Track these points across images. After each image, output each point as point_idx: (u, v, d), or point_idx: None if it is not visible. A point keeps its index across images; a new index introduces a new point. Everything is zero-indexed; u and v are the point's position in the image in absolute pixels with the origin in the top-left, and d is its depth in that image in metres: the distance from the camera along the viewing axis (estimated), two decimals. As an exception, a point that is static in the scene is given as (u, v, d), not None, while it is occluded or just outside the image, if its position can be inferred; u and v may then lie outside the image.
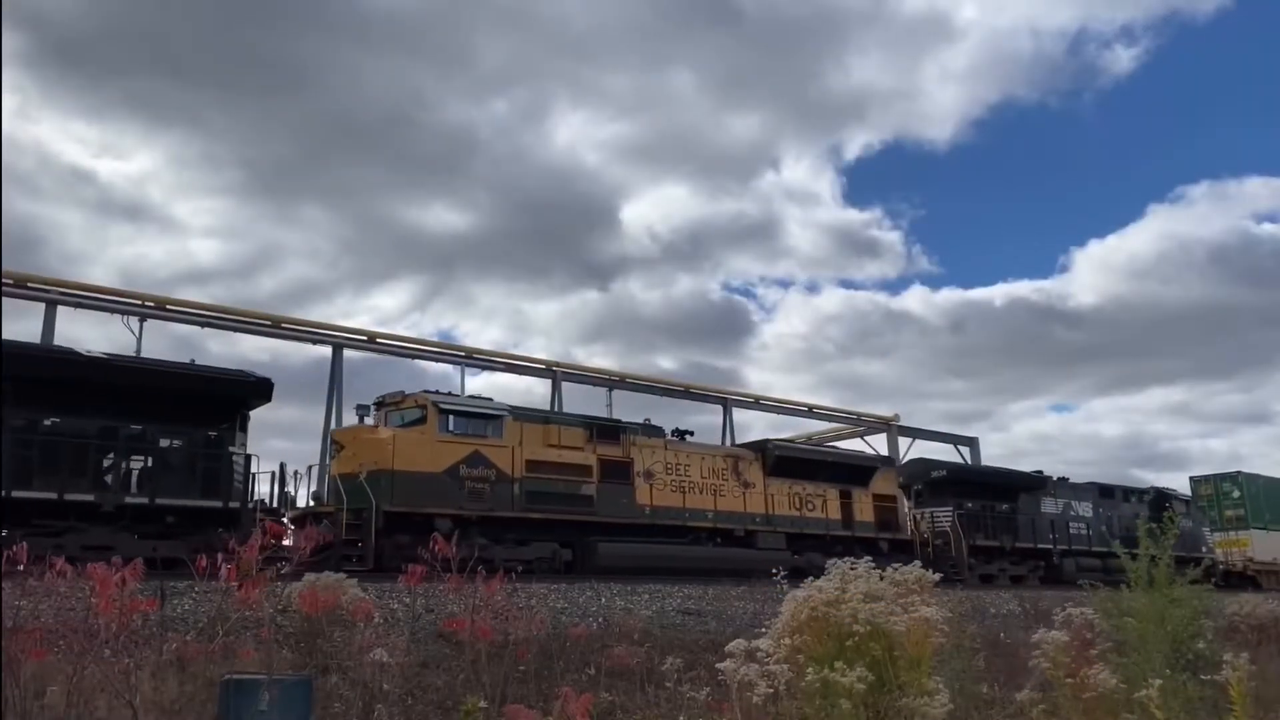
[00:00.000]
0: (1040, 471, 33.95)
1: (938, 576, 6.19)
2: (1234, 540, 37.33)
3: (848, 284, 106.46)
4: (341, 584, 11.51)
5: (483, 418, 20.37)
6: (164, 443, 16.47)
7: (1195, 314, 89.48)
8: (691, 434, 25.26)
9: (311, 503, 19.22)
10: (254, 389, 17.82)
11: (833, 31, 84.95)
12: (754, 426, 52.39)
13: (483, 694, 7.92)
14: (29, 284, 25.76)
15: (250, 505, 16.68)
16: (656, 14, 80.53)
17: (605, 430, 22.57)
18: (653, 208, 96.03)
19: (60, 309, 25.72)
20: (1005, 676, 8.69)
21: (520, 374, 35.59)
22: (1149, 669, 6.49)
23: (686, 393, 38.94)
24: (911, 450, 41.71)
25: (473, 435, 19.92)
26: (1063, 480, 34.95)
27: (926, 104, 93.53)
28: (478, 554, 17.45)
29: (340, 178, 77.57)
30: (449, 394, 21.20)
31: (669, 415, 39.94)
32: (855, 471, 27.35)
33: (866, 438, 43.75)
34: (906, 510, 28.74)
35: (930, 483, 30.63)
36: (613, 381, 36.18)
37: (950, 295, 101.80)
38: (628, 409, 33.27)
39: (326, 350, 30.46)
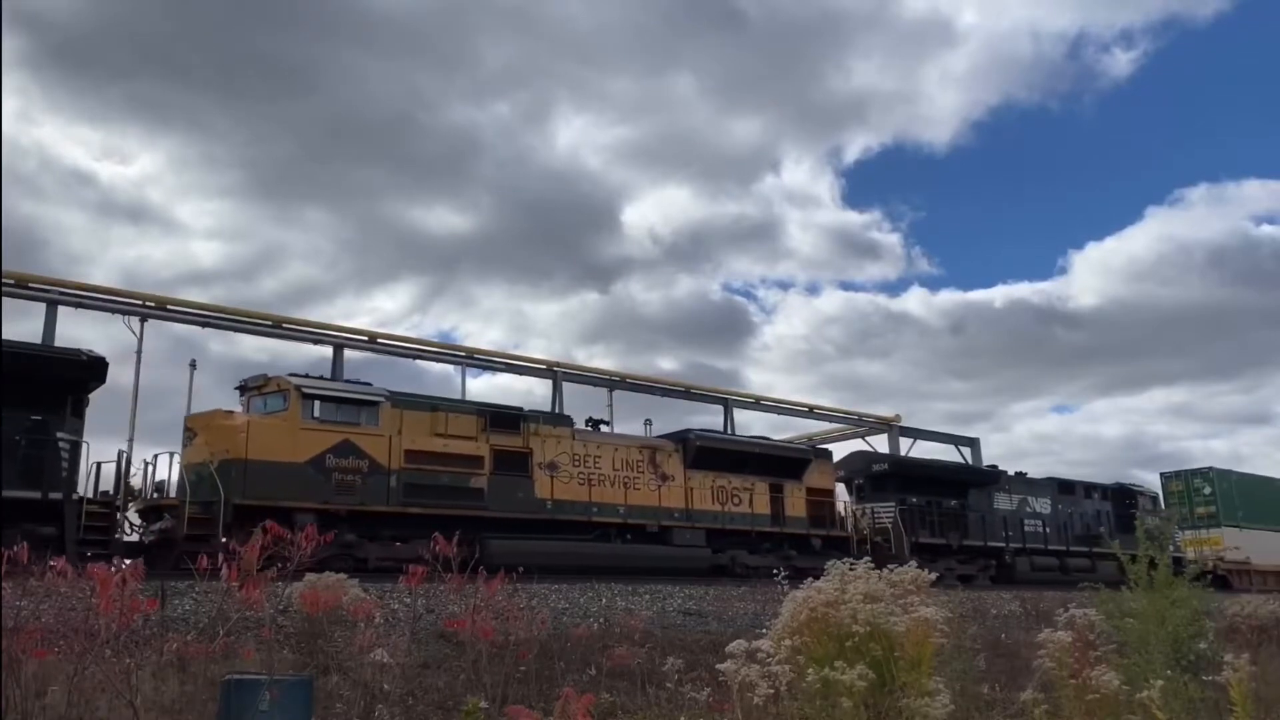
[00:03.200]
0: (994, 466, 33.02)
1: (934, 576, 6.14)
2: (1205, 538, 36.64)
3: (848, 285, 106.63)
4: (343, 584, 11.52)
5: (354, 404, 18.77)
6: None
7: (1195, 315, 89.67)
8: (607, 423, 23.84)
9: (155, 495, 17.33)
10: (86, 369, 16.06)
11: (834, 35, 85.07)
12: (755, 427, 52.32)
13: (484, 694, 7.92)
14: (30, 284, 25.70)
15: (76, 497, 15.15)
16: (659, 17, 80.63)
17: (501, 418, 20.92)
18: (654, 210, 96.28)
19: (61, 309, 25.64)
20: (1007, 677, 8.69)
21: (521, 374, 35.55)
22: (1150, 670, 6.49)
23: (687, 393, 38.86)
24: (914, 452, 41.65)
25: (342, 423, 18.35)
26: (1019, 475, 33.49)
27: (927, 106, 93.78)
28: (347, 552, 16.49)
29: (342, 179, 77.70)
30: (319, 378, 19.51)
31: (670, 416, 40.05)
32: (787, 464, 25.88)
33: (868, 438, 43.72)
34: (846, 505, 27.51)
35: (871, 476, 29.23)
36: (613, 382, 36.11)
37: (950, 297, 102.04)
38: (629, 409, 33.32)
39: (327, 350, 30.35)
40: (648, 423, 26.19)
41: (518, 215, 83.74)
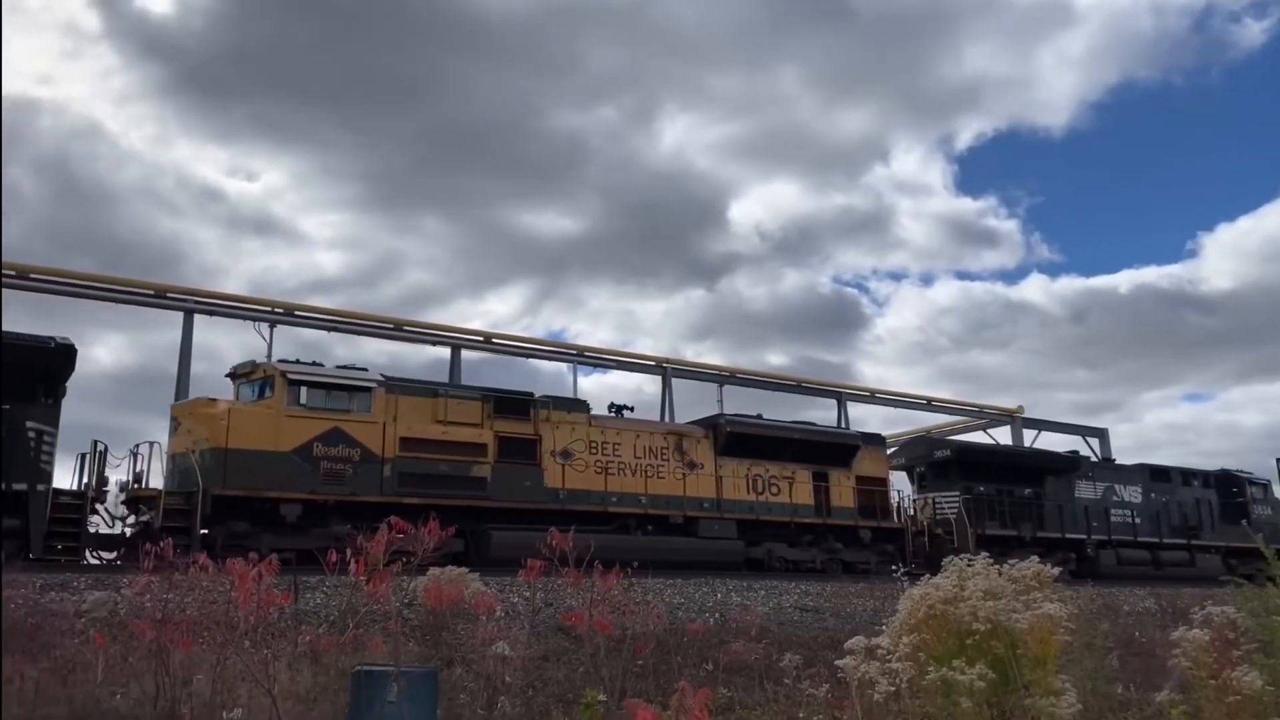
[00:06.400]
0: (1075, 452, 30.96)
1: (1056, 571, 5.89)
2: None
3: (963, 275, 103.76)
4: (464, 578, 11.80)
5: (344, 390, 17.91)
6: None
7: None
8: (631, 409, 22.37)
9: (135, 485, 16.60)
10: (54, 357, 15.51)
11: (945, 21, 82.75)
12: (869, 421, 51.51)
13: (602, 687, 8.01)
14: (168, 294, 27.23)
15: (40, 489, 14.52)
16: (763, 13, 79.94)
17: (508, 404, 19.79)
18: (760, 205, 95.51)
19: (197, 317, 27.10)
20: (1141, 677, 8.34)
21: (630, 371, 35.84)
22: (1298, 671, 6.13)
23: (799, 387, 38.51)
24: (1038, 443, 40.27)
25: (331, 410, 17.54)
26: (1106, 461, 31.62)
27: (1042, 90, 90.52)
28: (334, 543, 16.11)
29: (455, 187, 79.67)
30: (312, 363, 18.47)
31: (781, 411, 39.60)
32: (833, 450, 24.00)
33: (990, 430, 42.53)
34: (906, 495, 25.83)
35: (934, 464, 27.08)
36: (722, 377, 36.05)
37: (1071, 283, 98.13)
38: (739, 405, 33.13)
39: (445, 351, 31.27)
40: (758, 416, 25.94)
41: (624, 216, 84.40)
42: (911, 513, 25.38)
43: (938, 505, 25.84)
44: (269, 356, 22.42)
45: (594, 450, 20.41)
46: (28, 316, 35.21)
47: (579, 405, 21.31)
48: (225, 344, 41.75)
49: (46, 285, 25.49)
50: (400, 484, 17.77)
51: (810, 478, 23.19)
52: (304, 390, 17.49)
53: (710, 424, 23.10)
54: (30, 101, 72.67)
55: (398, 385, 18.88)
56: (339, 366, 19.01)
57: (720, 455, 22.09)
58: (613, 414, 21.89)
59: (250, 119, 73.13)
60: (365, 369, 19.16)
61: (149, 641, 6.94)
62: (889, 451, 27.62)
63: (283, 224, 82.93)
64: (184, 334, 26.72)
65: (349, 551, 7.12)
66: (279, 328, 27.95)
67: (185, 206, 76.57)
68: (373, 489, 17.47)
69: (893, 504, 24.80)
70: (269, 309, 28.24)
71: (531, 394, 20.60)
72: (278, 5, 70.95)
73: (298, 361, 18.33)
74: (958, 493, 25.56)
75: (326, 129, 75.51)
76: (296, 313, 29.07)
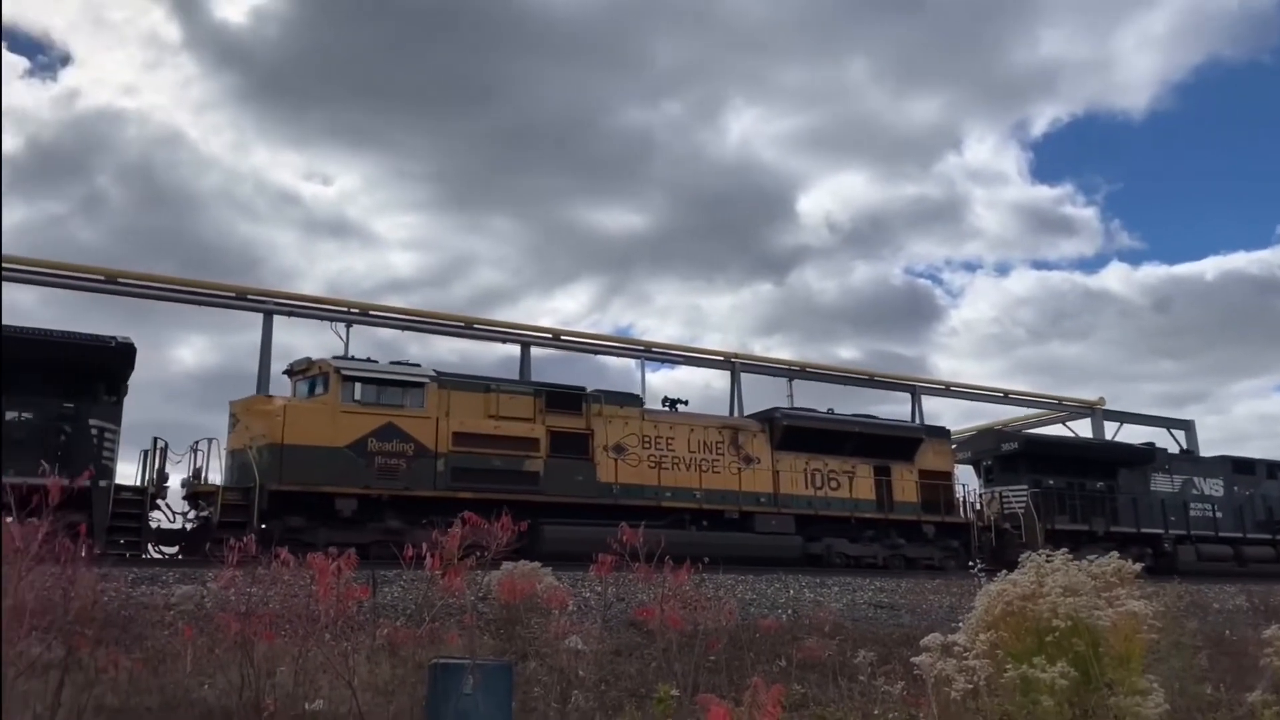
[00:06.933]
0: (1151, 444, 29.66)
1: (1139, 567, 5.72)
2: None
3: (1040, 264, 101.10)
4: (536, 572, 11.93)
5: (398, 385, 18.04)
6: (10, 415, 14.74)
7: None
8: (685, 403, 22.10)
9: (194, 481, 16.93)
10: (115, 355, 15.87)
11: (1020, 5, 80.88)
12: (944, 415, 50.64)
13: (675, 682, 8.02)
14: (249, 296, 27.99)
15: (103, 484, 14.76)
16: (830, 4, 79.10)
17: (560, 398, 19.77)
18: (829, 197, 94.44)
19: (276, 318, 27.80)
20: (1233, 677, 8.07)
21: (698, 367, 35.79)
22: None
23: (871, 381, 38.04)
24: (1120, 436, 39.18)
25: (385, 405, 17.73)
26: (1185, 454, 30.12)
27: (1121, 72, 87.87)
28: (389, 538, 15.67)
29: (524, 186, 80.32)
30: (366, 360, 18.65)
31: (852, 405, 39.23)
32: (895, 444, 23.53)
33: (1069, 423, 41.51)
34: (972, 490, 25.14)
35: (1001, 457, 26.19)
36: (792, 371, 35.77)
37: (1153, 271, 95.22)
38: (810, 399, 32.83)
39: (514, 349, 31.61)
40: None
41: (691, 211, 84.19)
42: (978, 507, 24.85)
43: (1005, 500, 25.25)
44: (346, 355, 22.83)
45: (647, 444, 20.28)
46: (115, 319, 36.52)
47: (631, 399, 21.19)
48: (304, 344, 42.78)
49: (133, 289, 26.40)
50: (453, 479, 17.86)
51: (871, 472, 22.87)
52: (358, 386, 17.68)
53: (766, 418, 22.84)
54: (116, 112, 75.37)
55: (450, 380, 18.97)
56: (393, 362, 19.09)
57: (777, 449, 21.85)
58: (666, 408, 21.77)
59: (324, 124, 74.82)
60: (419, 364, 19.28)
61: (234, 634, 7.14)
62: (955, 445, 27.10)
63: (357, 226, 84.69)
64: (264, 334, 27.42)
65: (424, 546, 7.24)
66: (355, 327, 28.54)
67: (264, 211, 78.77)
68: (426, 484, 17.61)
69: (958, 498, 24.34)
70: (345, 309, 28.86)
71: (583, 388, 20.58)
72: (349, 12, 72.39)
73: (352, 358, 18.54)
74: (1026, 486, 24.95)
75: (398, 132, 76.90)
76: (371, 313, 29.64)
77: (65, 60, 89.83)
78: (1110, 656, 5.08)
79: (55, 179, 69.29)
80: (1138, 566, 5.82)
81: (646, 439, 20.31)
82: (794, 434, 22.12)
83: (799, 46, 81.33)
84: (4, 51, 76.49)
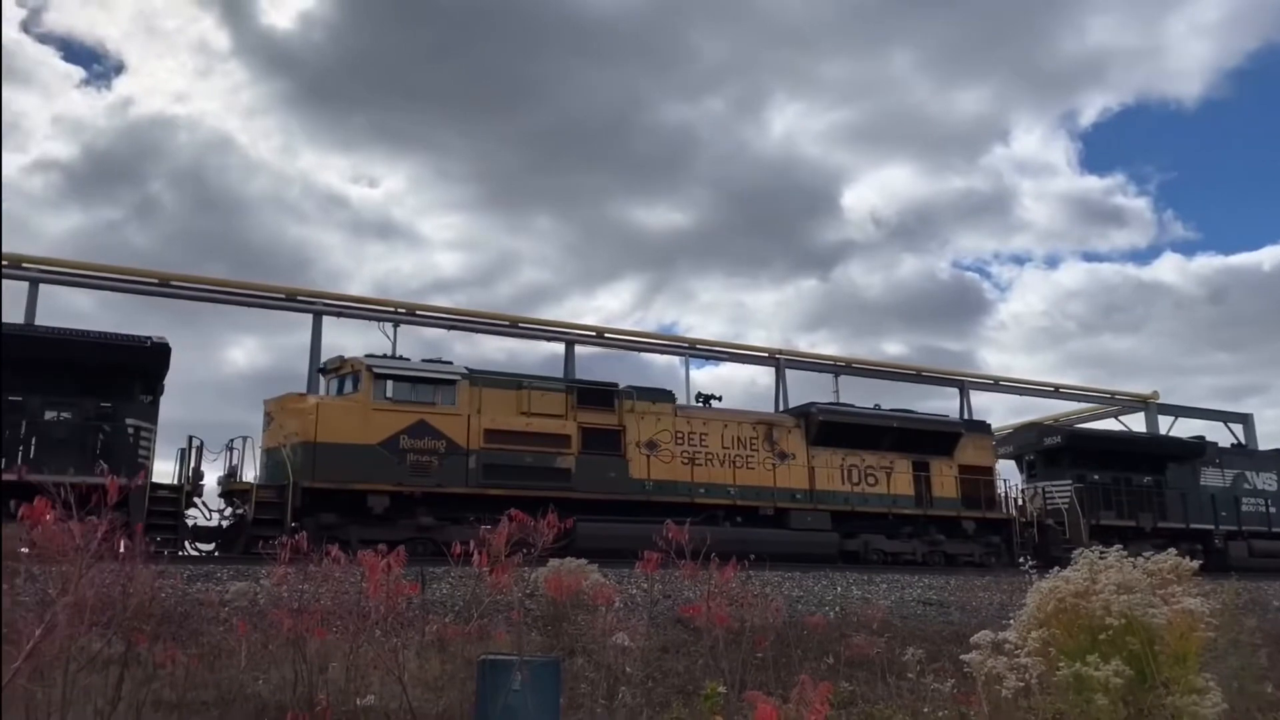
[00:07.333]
0: (1201, 438, 28.80)
1: (1196, 565, 5.60)
2: None
3: (1091, 256, 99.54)
4: (583, 569, 11.96)
5: (429, 383, 18.12)
6: (49, 415, 14.97)
7: None
8: (719, 398, 21.90)
9: (229, 479, 17.16)
10: (149, 355, 16.07)
11: (1066, -9, 79.49)
12: (994, 410, 49.97)
13: (722, 679, 8.02)
14: (298, 297, 28.41)
15: (139, 483, 14.63)
16: (873, -7, 78.27)
17: (591, 395, 19.78)
18: (874, 191, 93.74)
19: (325, 318, 28.18)
20: (1294, 676, 7.88)
21: (744, 363, 35.66)
22: None
23: (918, 376, 37.63)
24: (1174, 430, 38.37)
25: (417, 402, 17.85)
26: (1236, 447, 29.31)
27: (1173, 60, 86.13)
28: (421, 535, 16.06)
29: (566, 185, 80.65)
30: (398, 358, 18.81)
31: (900, 401, 38.77)
32: (934, 439, 23.21)
33: (1122, 418, 40.74)
34: (1015, 485, 24.71)
35: (1044, 451, 25.78)
36: (838, 367, 35.51)
37: (1208, 262, 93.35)
38: (856, 395, 32.55)
39: (559, 347, 31.74)
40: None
41: (734, 207, 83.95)
42: (1020, 503, 24.44)
43: (1048, 495, 24.80)
44: (393, 354, 23.06)
45: (680, 440, 20.25)
46: (169, 321, 37.28)
47: (664, 395, 21.01)
48: (353, 344, 43.28)
49: (186, 291, 26.90)
50: (485, 475, 17.92)
51: (910, 467, 22.63)
52: (390, 384, 17.81)
53: (802, 413, 22.67)
54: (168, 119, 76.83)
55: (481, 378, 19.04)
56: (425, 360, 19.15)
57: (813, 445, 21.72)
58: (700, 404, 21.63)
59: (369, 127, 75.70)
60: (450, 362, 19.41)
61: (287, 630, 7.26)
62: (996, 440, 26.64)
63: (403, 227, 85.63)
64: (313, 334, 27.80)
65: (471, 543, 7.30)
66: (402, 327, 28.83)
67: (312, 213, 79.92)
68: (458, 480, 17.70)
69: (999, 494, 23.96)
70: (392, 309, 29.18)
71: (615, 385, 20.65)
72: (392, 16, 73.16)
73: (384, 356, 18.66)
74: (1069, 481, 24.56)
75: (442, 134, 77.59)
76: (418, 312, 29.94)
77: (119, 69, 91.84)
78: (1166, 655, 4.99)
79: (110, 185, 70.97)
80: (1195, 564, 5.70)
81: (679, 435, 20.30)
82: (830, 429, 22.00)
83: (841, 39, 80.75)
84: (58, 61, 78.30)
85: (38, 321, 22.06)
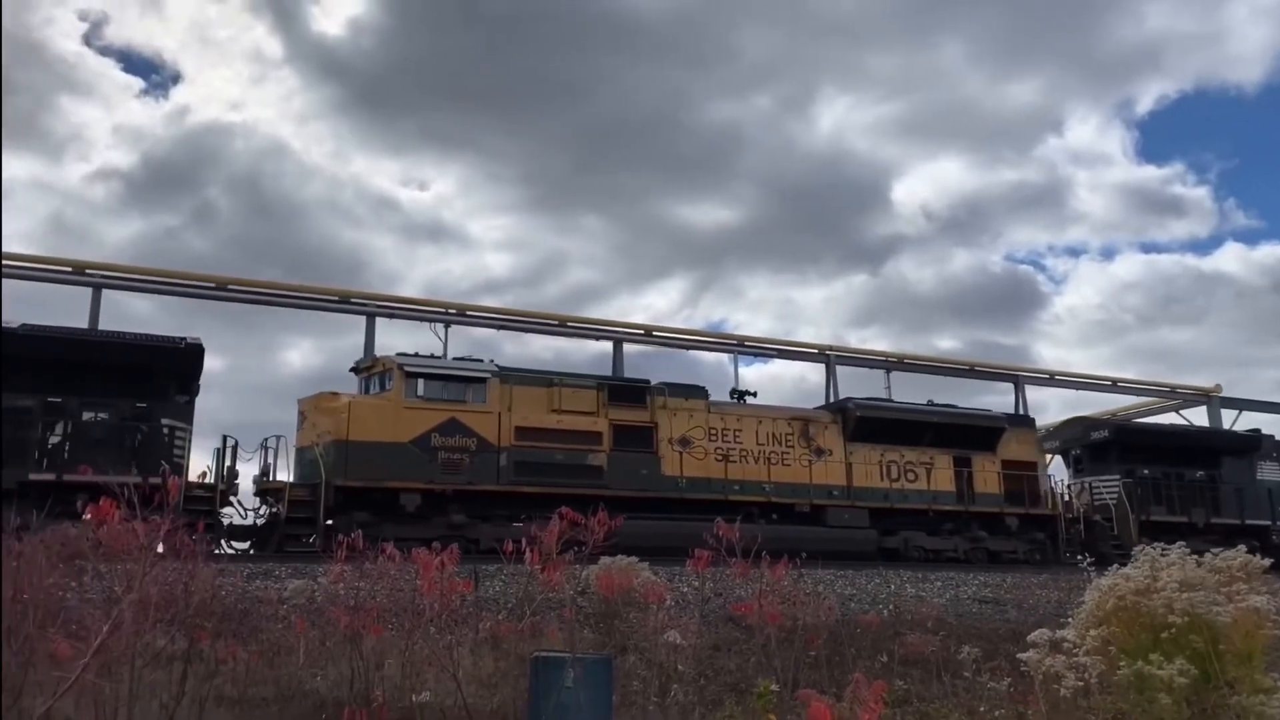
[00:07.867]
0: (1258, 430, 27.71)
1: (1267, 563, 5.47)
2: None
3: (1149, 247, 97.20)
4: (634, 567, 11.98)
5: (460, 381, 18.11)
6: (86, 415, 15.22)
7: None
8: (754, 394, 21.52)
9: (264, 478, 17.27)
10: (184, 356, 16.23)
11: (1122, -25, 77.82)
12: (1050, 405, 49.13)
13: (775, 678, 7.99)
14: (352, 299, 28.81)
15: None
16: (921, -16, 77.31)
17: (623, 391, 19.71)
18: (925, 185, 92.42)
19: (378, 320, 28.54)
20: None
21: (792, 360, 35.42)
22: None
23: (971, 371, 37.09)
24: (1238, 424, 37.40)
25: (448, 400, 17.84)
26: None
27: (1234, 44, 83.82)
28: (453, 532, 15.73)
29: (614, 185, 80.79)
30: (429, 356, 18.80)
31: (953, 397, 38.29)
32: (976, 434, 22.69)
33: (1183, 412, 39.80)
34: (1061, 480, 24.09)
35: (1091, 446, 25.05)
36: (889, 363, 35.13)
37: (1273, 251, 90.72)
38: (909, 391, 32.24)
39: (607, 346, 31.81)
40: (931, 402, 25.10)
41: (782, 203, 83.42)
42: (1066, 498, 23.85)
43: (1095, 490, 24.22)
44: (444, 354, 23.26)
45: (713, 437, 20.02)
46: (226, 325, 37.99)
47: (697, 391, 20.73)
48: (405, 344, 43.77)
49: (242, 295, 27.41)
50: (516, 473, 17.88)
51: (951, 463, 22.21)
52: (421, 382, 17.83)
53: (839, 408, 22.43)
54: (224, 126, 78.33)
55: (512, 375, 19.03)
56: (456, 359, 19.22)
57: (850, 441, 21.41)
58: (734, 400, 21.37)
59: (419, 131, 76.53)
60: (481, 360, 19.37)
61: (344, 627, 7.37)
62: (1042, 434, 26.14)
63: (453, 229, 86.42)
64: (367, 336, 28.15)
65: (524, 541, 7.36)
66: (453, 327, 29.10)
67: (364, 217, 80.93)
68: (489, 478, 17.66)
69: (1044, 489, 23.40)
70: (443, 310, 29.45)
71: (647, 381, 20.57)
72: (439, 20, 73.86)
73: (416, 355, 18.74)
74: (1118, 476, 23.94)
75: (489, 136, 78.10)
76: (469, 313, 30.19)
77: (176, 79, 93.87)
78: (1231, 654, 4.87)
79: (169, 192, 72.48)
80: (1266, 561, 5.55)
81: (713, 431, 20.07)
82: (868, 425, 21.68)
83: (890, 32, 79.83)
84: (118, 72, 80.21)
85: (100, 326, 22.61)
